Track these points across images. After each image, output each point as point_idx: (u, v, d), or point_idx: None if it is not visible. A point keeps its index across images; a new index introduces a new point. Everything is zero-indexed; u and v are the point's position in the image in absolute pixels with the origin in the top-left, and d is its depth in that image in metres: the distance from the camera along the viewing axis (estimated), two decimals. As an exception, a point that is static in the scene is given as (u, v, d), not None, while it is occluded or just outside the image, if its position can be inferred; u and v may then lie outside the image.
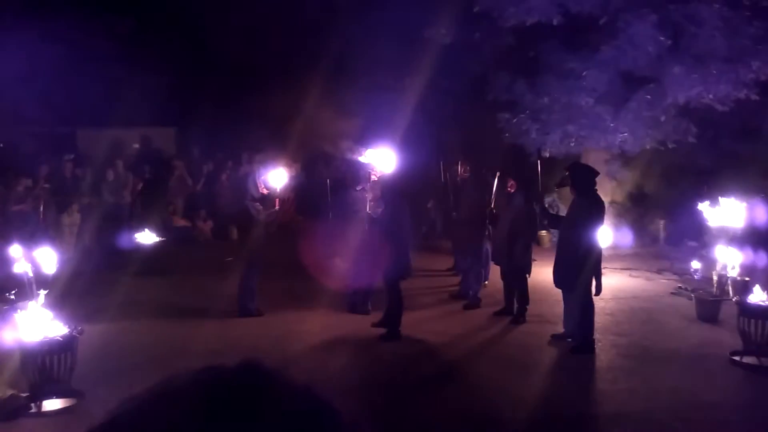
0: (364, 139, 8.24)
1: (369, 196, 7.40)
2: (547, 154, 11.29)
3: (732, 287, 7.53)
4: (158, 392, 0.55)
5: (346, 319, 7.34)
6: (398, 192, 6.89)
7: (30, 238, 8.24)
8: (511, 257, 7.32)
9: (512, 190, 7.56)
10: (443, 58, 10.65)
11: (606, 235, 6.44)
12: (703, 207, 8.24)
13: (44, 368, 4.89)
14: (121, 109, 11.13)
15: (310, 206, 12.42)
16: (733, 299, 6.82)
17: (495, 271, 8.00)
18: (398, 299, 6.68)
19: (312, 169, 12.41)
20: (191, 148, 14.03)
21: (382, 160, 7.27)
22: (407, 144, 8.27)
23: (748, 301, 6.18)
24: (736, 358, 6.06)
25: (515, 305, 7.38)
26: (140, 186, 11.59)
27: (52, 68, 9.64)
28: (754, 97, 10.40)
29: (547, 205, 11.43)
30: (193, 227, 12.48)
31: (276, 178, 7.53)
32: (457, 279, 8.72)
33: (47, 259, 5.65)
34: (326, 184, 8.52)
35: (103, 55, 10.10)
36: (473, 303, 7.88)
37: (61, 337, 5.04)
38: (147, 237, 9.71)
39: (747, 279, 7.58)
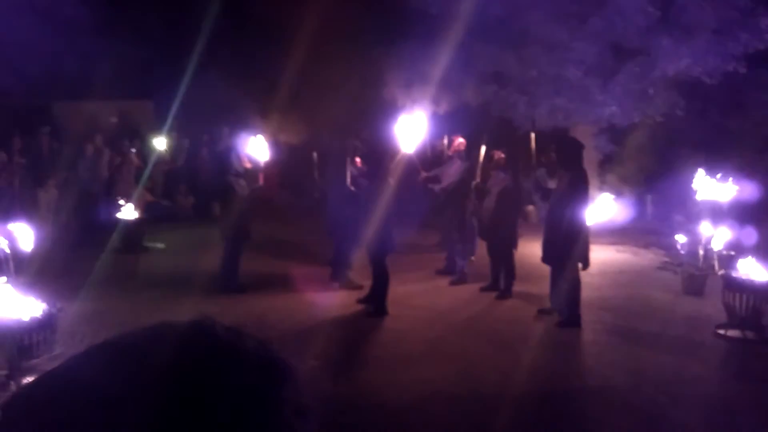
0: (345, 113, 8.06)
1: (352, 170, 7.27)
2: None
3: (717, 261, 7.55)
4: (99, 349, 0.54)
5: (332, 294, 7.26)
6: (384, 166, 6.76)
7: (5, 214, 8.03)
8: (498, 232, 7.25)
9: (499, 164, 7.45)
10: (429, 29, 10.41)
11: (595, 210, 6.38)
12: (691, 181, 8.21)
13: (23, 346, 4.84)
14: (98, 81, 10.77)
15: (294, 181, 12.26)
16: (719, 273, 6.84)
17: (482, 247, 7.94)
18: (384, 275, 6.62)
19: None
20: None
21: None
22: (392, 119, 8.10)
23: (733, 274, 6.19)
24: (721, 331, 6.09)
25: (502, 281, 7.35)
26: (118, 161, 11.31)
27: (24, 38, 9.26)
28: (742, 70, 10.32)
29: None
30: (173, 203, 12.27)
31: (260, 151, 7.37)
32: (443, 254, 8.65)
33: (24, 235, 5.54)
34: (312, 158, 8.37)
35: (76, 25, 9.72)
36: (460, 279, 7.83)
37: (40, 314, 4.97)
38: (126, 213, 9.50)
39: (732, 253, 7.61)
